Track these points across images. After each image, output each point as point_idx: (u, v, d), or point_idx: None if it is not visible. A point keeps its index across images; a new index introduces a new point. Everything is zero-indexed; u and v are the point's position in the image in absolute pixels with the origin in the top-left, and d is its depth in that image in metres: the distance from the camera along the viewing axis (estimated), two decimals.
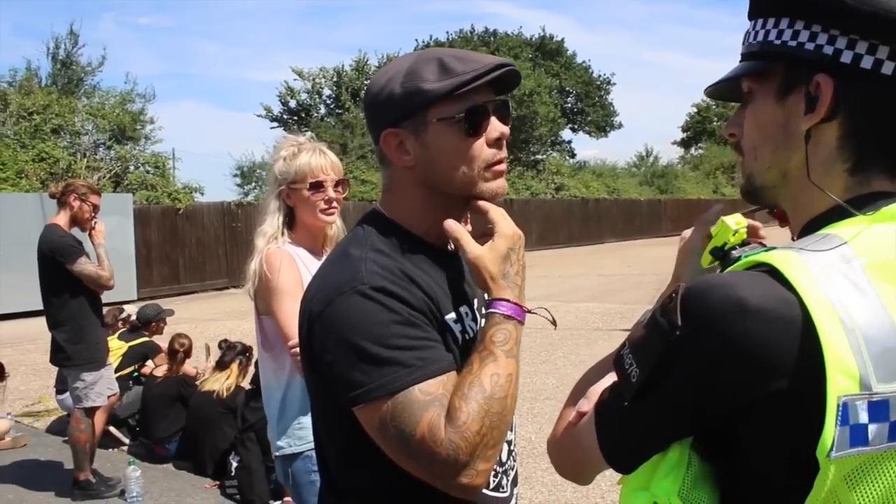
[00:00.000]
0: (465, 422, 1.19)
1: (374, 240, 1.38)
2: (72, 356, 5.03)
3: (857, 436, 0.83)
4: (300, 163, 2.64)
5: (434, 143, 1.35)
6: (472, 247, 1.33)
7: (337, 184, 2.69)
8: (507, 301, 1.31)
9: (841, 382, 0.83)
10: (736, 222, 1.20)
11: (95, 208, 5.14)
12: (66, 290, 4.99)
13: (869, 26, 0.95)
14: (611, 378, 1.08)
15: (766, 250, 0.98)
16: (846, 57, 0.96)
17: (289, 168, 2.65)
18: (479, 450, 1.20)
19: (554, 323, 1.47)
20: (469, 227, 1.45)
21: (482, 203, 1.38)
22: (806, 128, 1.00)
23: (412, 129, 1.35)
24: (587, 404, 1.10)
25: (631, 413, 0.97)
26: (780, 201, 1.09)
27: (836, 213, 0.98)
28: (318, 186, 2.64)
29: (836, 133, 0.99)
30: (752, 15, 1.08)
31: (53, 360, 5.20)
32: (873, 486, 0.86)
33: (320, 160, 2.67)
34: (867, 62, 0.96)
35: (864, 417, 0.83)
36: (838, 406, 0.82)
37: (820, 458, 0.83)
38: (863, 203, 0.98)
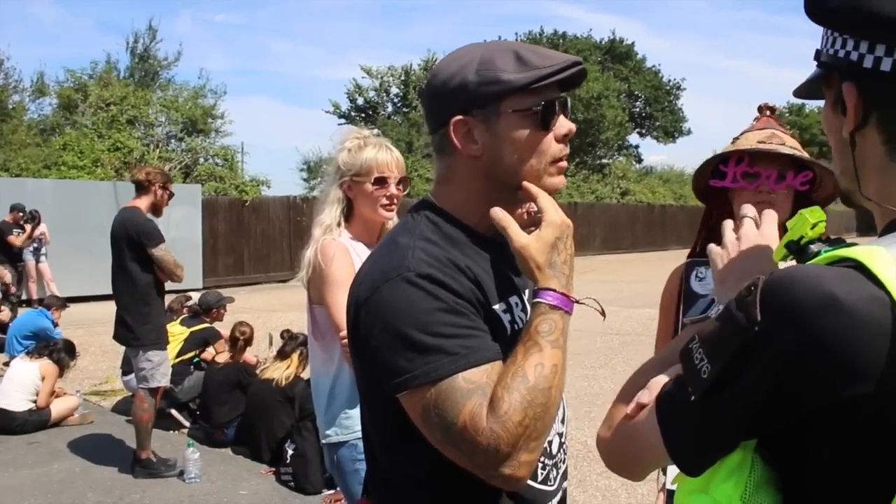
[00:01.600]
0: (507, 412, 1.18)
1: (424, 229, 1.37)
2: (140, 336, 5.19)
3: None
4: (366, 156, 2.64)
5: (506, 134, 1.35)
6: (518, 235, 1.32)
7: (399, 181, 2.69)
8: (554, 291, 1.29)
9: None
10: (815, 216, 1.14)
11: (171, 196, 5.42)
12: (140, 271, 5.16)
13: (883, 30, 0.93)
14: (674, 371, 1.05)
15: (847, 245, 0.95)
16: (868, 62, 0.95)
17: (354, 160, 2.65)
18: (522, 441, 1.19)
19: (603, 313, 1.45)
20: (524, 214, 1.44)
21: (533, 188, 1.37)
22: (846, 135, 0.99)
23: (483, 118, 1.35)
24: (647, 396, 1.06)
25: (699, 409, 0.93)
26: (863, 204, 1.05)
27: None
28: (382, 182, 2.64)
29: (878, 138, 0.97)
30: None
31: (120, 339, 5.36)
32: None
33: (386, 156, 2.67)
34: (886, 64, 0.93)
35: None
36: None
37: None
38: None
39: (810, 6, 1.03)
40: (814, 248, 1.09)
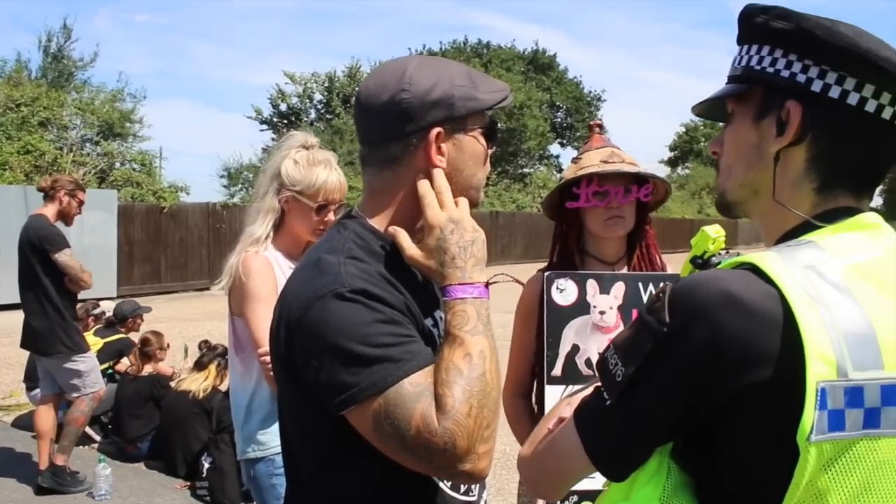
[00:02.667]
0: (454, 406, 1.19)
1: (350, 245, 1.35)
2: (57, 344, 5.04)
3: (835, 421, 0.88)
4: (316, 177, 2.51)
5: (468, 149, 1.41)
6: (407, 249, 1.34)
7: (339, 206, 2.57)
8: (452, 284, 1.30)
9: (819, 368, 0.88)
10: (715, 231, 1.25)
11: (81, 204, 5.28)
12: (48, 279, 5.03)
13: (839, 59, 1.02)
14: (592, 388, 1.09)
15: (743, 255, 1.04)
16: (816, 86, 1.03)
17: (302, 177, 2.51)
18: (476, 432, 1.19)
19: (519, 282, 1.52)
20: None
21: (421, 187, 1.36)
22: (775, 150, 1.06)
23: (452, 132, 1.38)
24: (569, 410, 1.10)
25: (616, 411, 0.99)
26: (750, 216, 1.16)
27: (805, 229, 1.04)
28: (324, 208, 2.54)
29: (804, 156, 1.05)
30: (740, 41, 1.15)
31: (35, 349, 5.21)
32: (851, 474, 0.90)
33: (335, 180, 2.54)
34: (835, 92, 1.02)
35: (841, 403, 0.88)
36: (817, 391, 0.88)
37: (800, 443, 0.88)
38: (829, 217, 1.04)
39: (748, 24, 1.11)
40: (715, 259, 1.20)
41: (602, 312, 2.07)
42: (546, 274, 2.14)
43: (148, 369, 6.37)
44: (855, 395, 0.89)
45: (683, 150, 58.58)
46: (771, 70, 1.07)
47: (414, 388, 1.21)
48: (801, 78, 1.04)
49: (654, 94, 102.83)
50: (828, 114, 1.03)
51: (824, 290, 0.92)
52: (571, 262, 2.24)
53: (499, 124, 1.48)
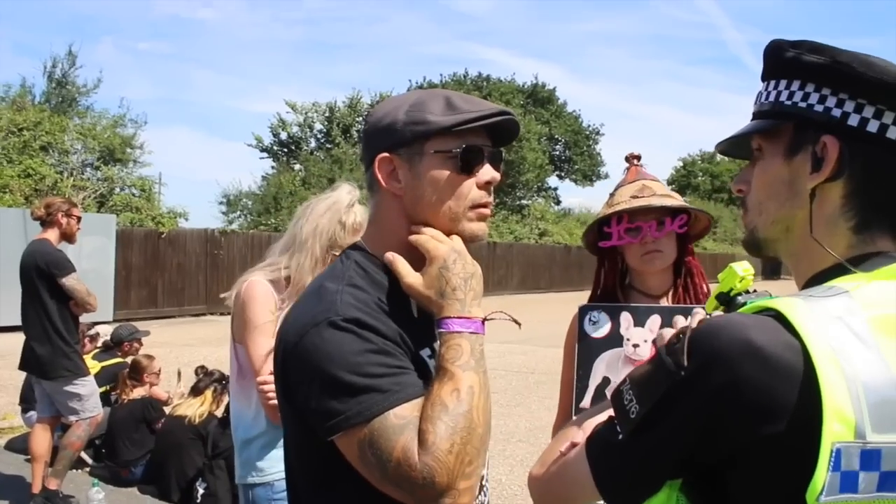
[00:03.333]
0: (434, 442, 1.19)
1: (352, 274, 1.38)
2: (59, 368, 5.05)
3: (848, 483, 0.85)
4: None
5: (426, 174, 1.37)
6: (405, 276, 1.35)
7: None
8: (450, 317, 1.31)
9: (836, 429, 0.85)
10: (743, 269, 1.21)
11: (79, 220, 5.32)
12: (53, 302, 5.06)
13: (876, 92, 1.00)
14: (605, 415, 1.10)
15: (771, 298, 1.01)
16: (853, 120, 1.01)
17: (348, 241, 2.40)
18: (456, 468, 1.20)
19: (517, 322, 1.47)
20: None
21: (413, 237, 1.38)
22: (811, 186, 1.04)
23: (407, 158, 1.38)
24: (581, 436, 1.11)
25: (628, 447, 0.98)
26: (781, 255, 1.13)
27: (839, 270, 1.01)
28: None
29: (840, 192, 1.03)
30: (766, 76, 1.12)
31: (37, 372, 5.19)
32: None
33: None
34: (873, 126, 1.00)
35: (855, 465, 0.85)
36: (832, 452, 0.84)
37: (809, 502, 0.85)
38: (864, 261, 1.01)
39: (776, 58, 1.09)
40: (741, 299, 1.15)
41: (636, 346, 2.03)
42: (580, 306, 2.14)
43: (141, 392, 6.36)
44: (871, 457, 0.85)
45: (681, 185, 58.80)
46: (803, 105, 1.04)
47: (398, 421, 1.22)
48: (837, 112, 1.02)
49: (652, 128, 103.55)
50: (865, 149, 1.01)
51: (850, 344, 0.89)
52: (613, 297, 2.21)
53: (490, 150, 1.42)
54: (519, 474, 5.84)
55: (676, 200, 2.13)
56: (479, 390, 1.26)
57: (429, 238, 1.37)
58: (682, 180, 59.21)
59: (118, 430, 6.06)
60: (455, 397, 1.23)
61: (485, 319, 1.35)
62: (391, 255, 1.38)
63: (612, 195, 2.21)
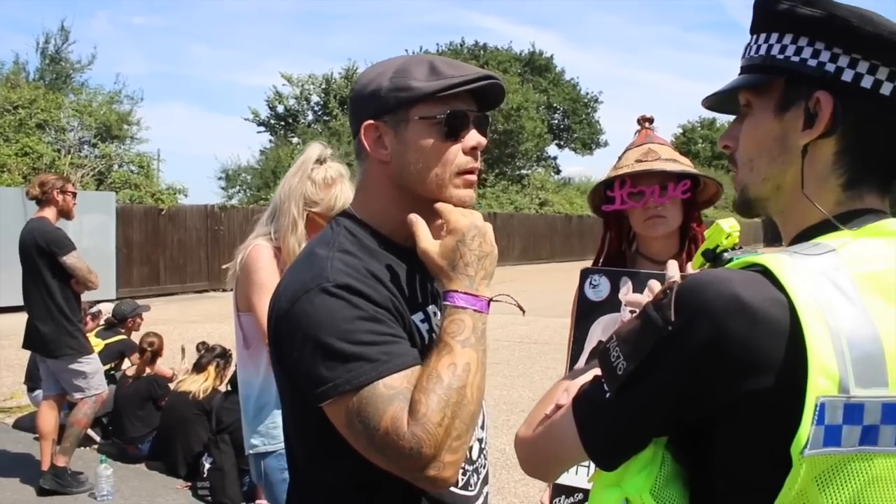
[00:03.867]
0: (426, 413, 1.20)
1: (342, 240, 1.39)
2: (63, 346, 5.07)
3: (831, 436, 0.86)
4: (335, 197, 2.62)
5: (412, 141, 1.38)
6: (422, 241, 1.36)
7: None
8: (457, 292, 1.31)
9: (821, 383, 0.85)
10: (730, 225, 1.21)
11: (74, 196, 5.33)
12: (54, 281, 5.07)
13: (871, 47, 0.98)
14: (591, 374, 1.10)
15: (757, 253, 1.01)
16: (847, 75, 0.99)
17: (322, 197, 2.62)
18: (444, 441, 1.21)
19: (521, 308, 1.46)
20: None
21: (439, 205, 1.39)
22: (804, 143, 1.02)
23: (393, 124, 1.38)
24: (566, 397, 1.11)
25: (614, 404, 0.98)
26: (771, 213, 1.12)
27: (827, 226, 1.01)
28: None
29: (832, 149, 1.02)
30: (755, 29, 1.10)
31: (40, 350, 5.22)
32: (842, 488, 0.88)
33: (349, 196, 2.60)
34: (867, 82, 0.99)
35: (839, 419, 0.86)
36: (816, 406, 0.85)
37: (793, 455, 0.86)
38: (852, 218, 1.01)
39: (768, 10, 1.06)
40: (727, 255, 1.16)
41: (633, 312, 2.03)
42: (583, 269, 2.14)
43: (146, 370, 6.40)
44: (854, 411, 0.86)
45: (681, 152, 57.80)
46: (796, 59, 1.02)
47: (388, 391, 1.22)
48: (831, 67, 0.99)
49: (650, 95, 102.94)
50: (858, 105, 0.99)
51: (835, 299, 0.89)
52: (618, 262, 2.20)
53: (476, 115, 1.42)
54: None
55: (681, 165, 2.11)
56: (475, 368, 1.27)
57: (453, 209, 1.38)
58: (682, 147, 58.77)
59: (124, 407, 6.10)
60: (451, 372, 1.24)
61: (490, 300, 1.36)
62: (414, 217, 1.38)
63: (619, 158, 2.20)
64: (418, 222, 1.37)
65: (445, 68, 1.38)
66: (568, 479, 2.00)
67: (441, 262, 1.33)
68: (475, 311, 1.31)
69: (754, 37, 1.09)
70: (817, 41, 1.01)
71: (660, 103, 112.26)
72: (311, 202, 2.61)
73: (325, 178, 2.63)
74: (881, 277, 0.93)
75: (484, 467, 1.60)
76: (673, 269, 1.36)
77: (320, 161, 2.67)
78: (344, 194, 2.62)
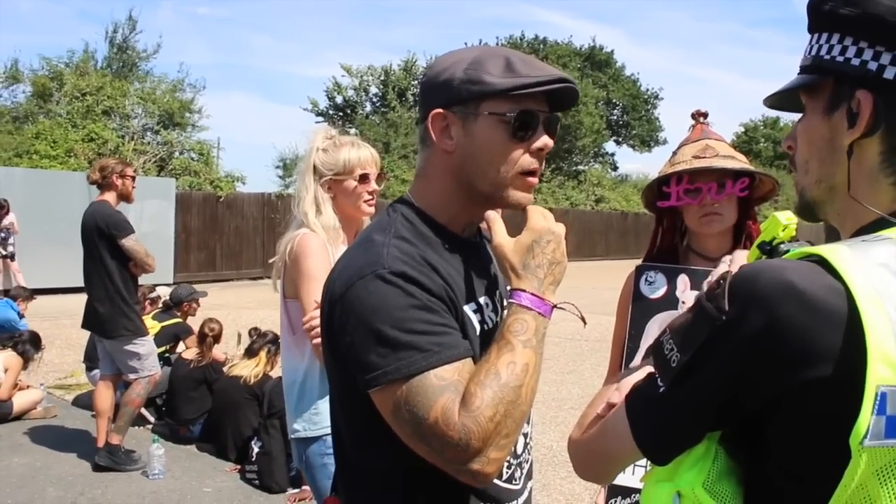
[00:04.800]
0: (479, 407, 1.19)
1: (399, 227, 1.39)
2: (120, 328, 5.21)
3: (893, 427, 0.83)
4: (346, 156, 2.68)
5: (479, 135, 1.36)
6: (497, 235, 1.36)
7: (377, 176, 2.75)
8: (524, 291, 1.30)
9: (881, 372, 0.83)
10: (786, 217, 1.19)
11: (133, 179, 5.47)
12: (113, 263, 5.21)
13: None
14: (644, 372, 1.08)
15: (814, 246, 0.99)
16: (889, 73, 0.97)
17: (334, 160, 2.68)
18: (492, 437, 1.20)
19: (583, 320, 1.44)
20: None
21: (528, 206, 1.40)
22: (847, 143, 1.00)
23: (462, 116, 1.37)
24: (618, 396, 1.10)
25: (667, 397, 0.97)
26: (829, 217, 1.10)
27: (883, 224, 0.99)
28: (365, 178, 2.70)
29: (877, 148, 1.00)
30: (810, 29, 1.09)
31: (98, 331, 5.35)
32: None
33: (365, 153, 2.72)
34: None
35: None
36: (876, 395, 0.83)
37: (853, 446, 0.83)
38: None
39: (819, 11, 1.05)
40: (784, 247, 1.14)
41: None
42: (638, 265, 2.11)
43: (192, 354, 6.53)
44: None
45: (743, 151, 56.67)
46: (841, 59, 1.01)
47: (439, 382, 1.22)
48: (873, 66, 0.98)
49: (712, 93, 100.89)
50: None
51: (894, 288, 0.87)
52: (670, 258, 2.17)
53: (547, 116, 1.39)
54: None
55: (739, 162, 2.06)
56: (532, 370, 1.26)
57: (537, 210, 1.39)
58: (743, 146, 57.65)
59: (179, 389, 6.23)
60: (510, 370, 1.23)
61: (555, 306, 1.35)
62: (493, 214, 1.39)
63: (674, 153, 2.16)
64: (496, 218, 1.38)
65: (521, 66, 1.36)
66: (624, 479, 1.96)
67: (513, 259, 1.33)
68: (539, 313, 1.30)
69: (810, 37, 1.09)
70: (861, 40, 1.00)
71: (722, 101, 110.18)
72: (325, 172, 2.69)
73: (333, 142, 2.73)
74: None
75: (528, 462, 1.59)
76: (727, 261, 1.33)
77: (328, 137, 2.77)
78: (362, 153, 2.70)
